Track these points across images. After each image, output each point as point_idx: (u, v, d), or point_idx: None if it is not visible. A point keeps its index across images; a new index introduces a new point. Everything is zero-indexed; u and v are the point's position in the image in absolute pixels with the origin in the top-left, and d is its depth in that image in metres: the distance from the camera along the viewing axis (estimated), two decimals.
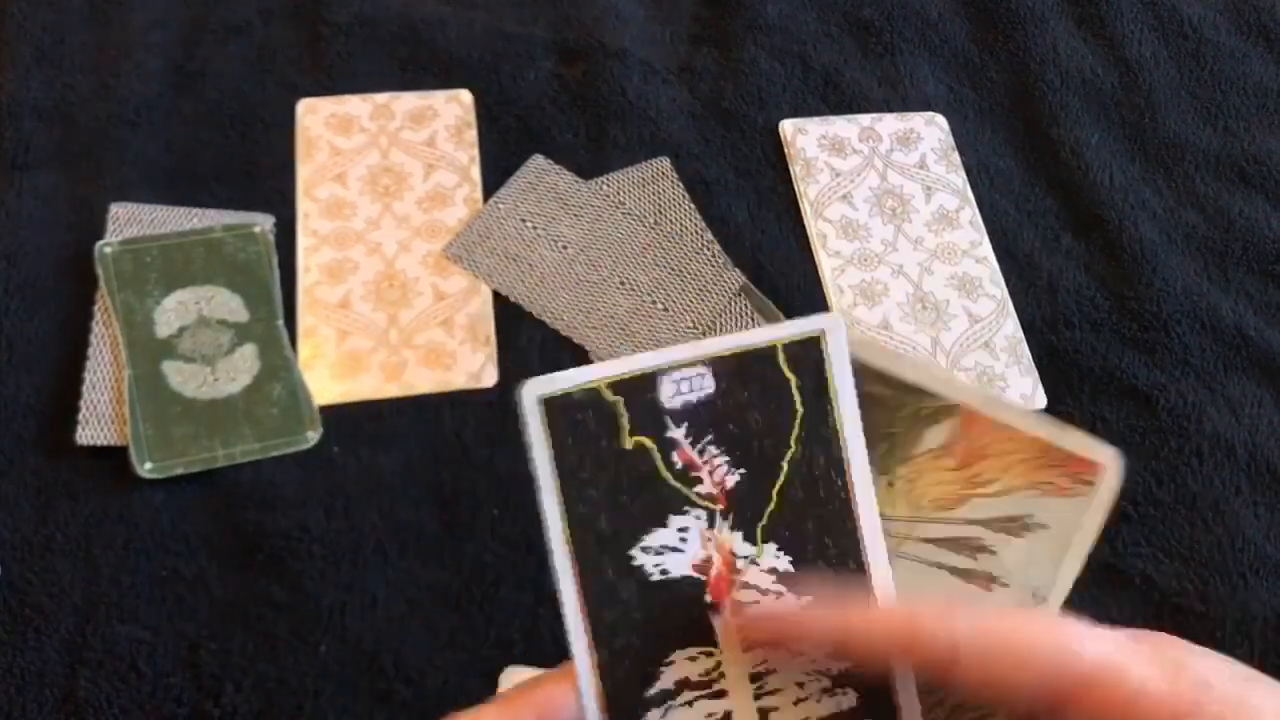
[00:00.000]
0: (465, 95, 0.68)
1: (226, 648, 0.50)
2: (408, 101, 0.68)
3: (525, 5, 0.73)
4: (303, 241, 0.62)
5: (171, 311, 0.58)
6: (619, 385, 0.28)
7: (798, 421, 0.28)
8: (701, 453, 0.28)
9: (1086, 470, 0.29)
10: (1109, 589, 0.54)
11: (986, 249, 0.65)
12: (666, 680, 0.28)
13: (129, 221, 0.61)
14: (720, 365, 0.28)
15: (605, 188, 0.65)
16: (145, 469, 0.53)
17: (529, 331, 0.60)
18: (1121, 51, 0.74)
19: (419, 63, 0.70)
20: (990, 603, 0.29)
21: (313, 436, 0.55)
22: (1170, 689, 0.25)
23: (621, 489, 0.28)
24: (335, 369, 0.58)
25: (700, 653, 0.28)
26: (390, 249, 0.62)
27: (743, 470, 0.28)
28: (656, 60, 0.71)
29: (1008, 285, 0.64)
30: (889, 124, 0.70)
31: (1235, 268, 0.66)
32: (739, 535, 0.28)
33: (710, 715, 0.29)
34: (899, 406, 0.29)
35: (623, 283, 0.62)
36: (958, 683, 0.26)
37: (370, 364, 0.58)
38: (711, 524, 0.28)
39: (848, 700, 0.29)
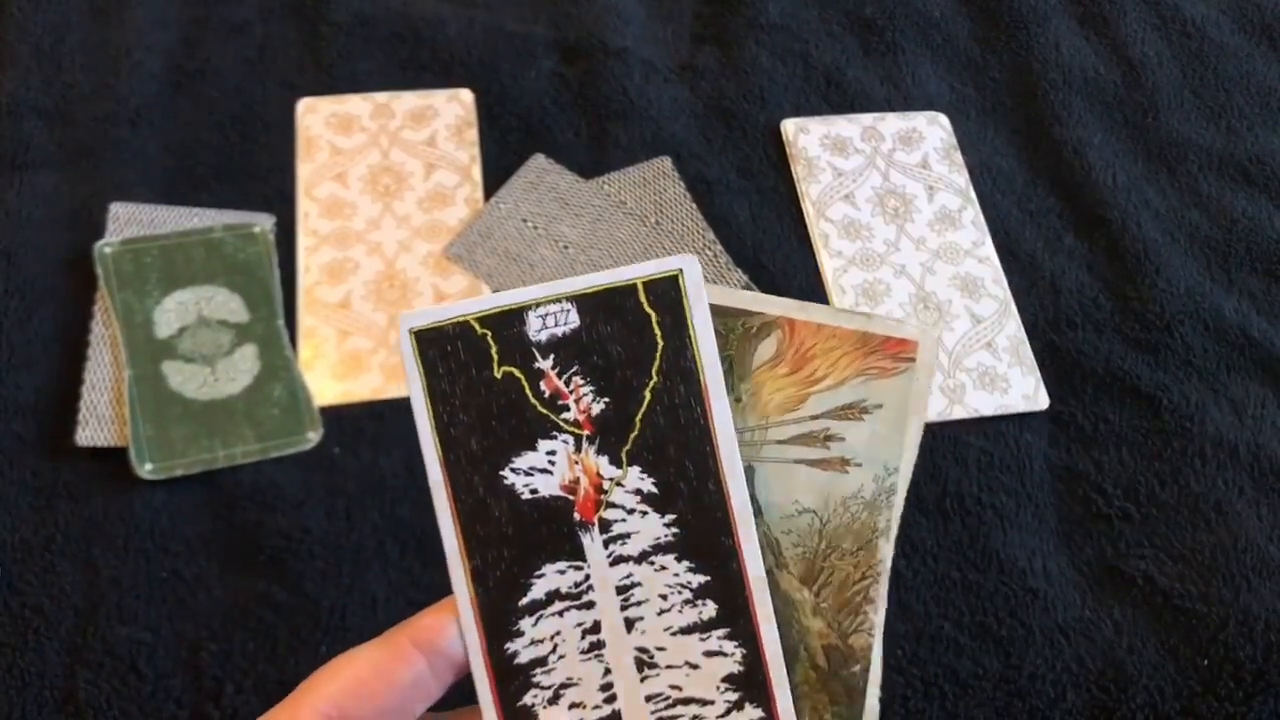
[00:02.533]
0: (466, 94, 0.68)
1: (227, 649, 0.50)
2: (408, 101, 0.68)
3: (526, 4, 0.73)
4: (303, 241, 0.62)
5: (171, 312, 0.58)
6: (488, 319, 0.30)
7: (658, 353, 0.31)
8: (567, 382, 0.30)
9: (903, 349, 0.32)
10: (1111, 590, 0.54)
11: (989, 249, 0.65)
12: (537, 591, 0.31)
13: (129, 221, 0.61)
14: (584, 302, 0.31)
15: (606, 187, 0.65)
16: (145, 470, 0.53)
17: None
18: (1124, 51, 0.74)
19: (419, 62, 0.70)
20: (849, 484, 0.31)
21: (313, 437, 0.55)
22: None
23: (492, 414, 0.30)
24: (336, 369, 0.58)
25: (569, 566, 0.31)
26: (391, 249, 0.62)
27: (607, 399, 0.31)
28: (658, 59, 0.71)
29: (1010, 285, 0.64)
30: (891, 123, 0.70)
31: (1238, 268, 0.66)
32: (605, 459, 0.31)
33: (579, 624, 0.31)
34: (728, 331, 0.32)
35: None
36: None
37: (371, 364, 0.58)
38: (578, 448, 0.31)
39: (707, 611, 0.31)
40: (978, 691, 0.51)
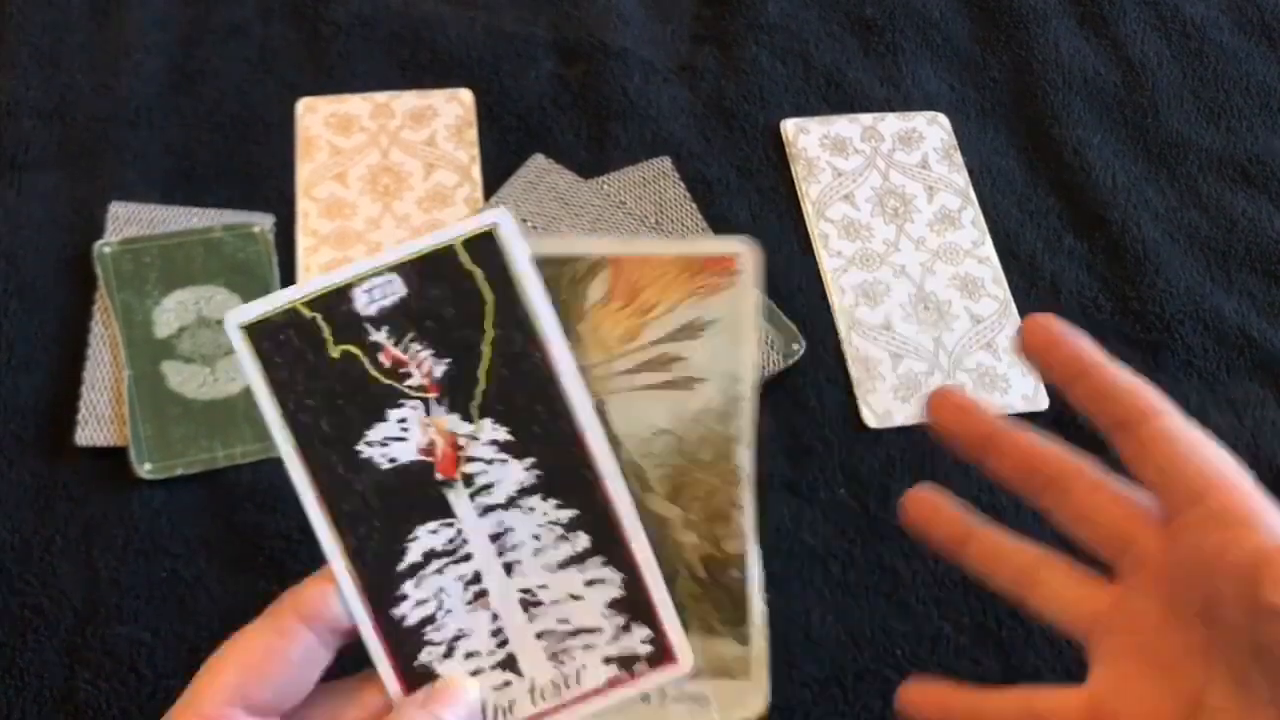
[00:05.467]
0: (465, 94, 0.68)
1: None
2: (408, 101, 0.68)
3: (526, 4, 0.73)
4: (302, 241, 0.62)
5: (171, 312, 0.58)
6: (314, 302, 0.31)
7: (489, 308, 0.31)
8: (405, 350, 0.31)
9: (726, 265, 0.32)
10: None
11: (989, 249, 0.65)
12: (414, 554, 0.32)
13: (128, 221, 0.61)
14: (407, 269, 0.31)
15: (606, 187, 0.65)
16: (145, 470, 0.53)
17: None
18: (1124, 51, 0.74)
19: (419, 62, 0.70)
20: (697, 399, 0.33)
21: None
22: None
23: (336, 394, 0.31)
24: None
25: (440, 525, 0.32)
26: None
27: (448, 360, 0.31)
28: (657, 59, 0.71)
29: (1010, 286, 0.64)
30: (891, 124, 0.70)
31: (1238, 268, 0.66)
32: (455, 416, 0.31)
33: (461, 577, 0.32)
34: (557, 278, 0.32)
35: None
36: (1143, 438, 0.31)
37: None
38: (428, 411, 0.31)
39: (580, 542, 0.32)
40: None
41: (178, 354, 0.56)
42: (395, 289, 0.31)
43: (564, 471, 0.32)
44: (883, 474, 0.56)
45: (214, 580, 0.51)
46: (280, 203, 0.63)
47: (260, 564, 0.52)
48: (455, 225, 0.31)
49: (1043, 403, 0.60)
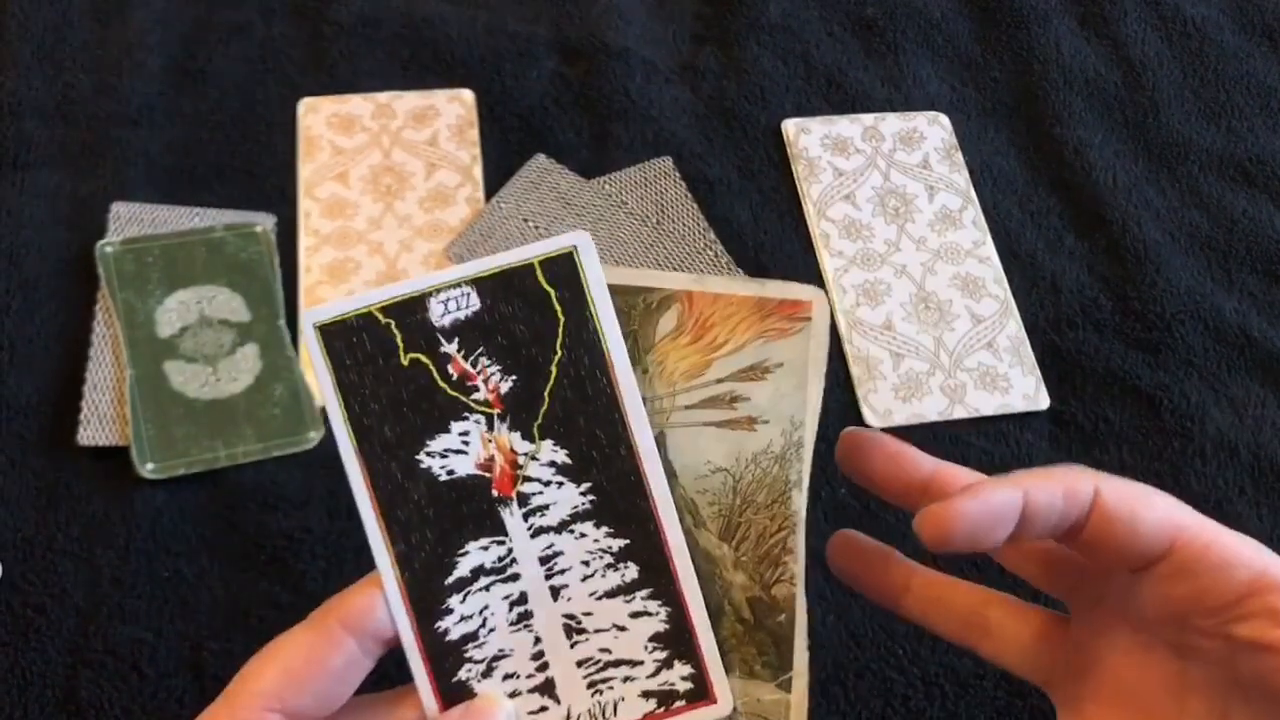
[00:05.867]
0: (467, 94, 0.68)
1: (229, 648, 0.50)
2: (409, 101, 0.68)
3: (527, 4, 0.73)
4: (304, 241, 0.62)
5: (173, 311, 0.58)
6: (390, 309, 0.31)
7: (561, 329, 0.31)
8: (474, 364, 0.31)
9: (798, 309, 0.33)
10: None
11: (989, 249, 0.65)
12: (463, 568, 0.31)
13: (130, 221, 0.61)
14: (484, 284, 0.31)
15: (607, 187, 0.65)
16: (147, 469, 0.53)
17: None
18: (1125, 51, 0.74)
19: (421, 62, 0.70)
20: (757, 441, 0.33)
21: (315, 437, 0.55)
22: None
23: (402, 401, 0.31)
24: None
25: (492, 542, 0.32)
26: (392, 249, 0.62)
27: (515, 377, 0.31)
28: (659, 59, 0.71)
29: (1011, 285, 0.64)
30: (892, 124, 0.70)
31: (1239, 268, 0.66)
32: (517, 435, 0.31)
33: (507, 597, 0.32)
34: (629, 308, 0.32)
35: None
36: (1084, 531, 0.29)
37: None
38: (491, 427, 0.31)
39: (630, 573, 0.32)
40: (978, 691, 0.51)
41: (180, 354, 0.57)
42: (470, 302, 0.31)
43: (620, 500, 0.32)
44: None
45: (216, 580, 0.51)
46: (282, 202, 0.63)
47: (262, 563, 0.52)
48: (535, 244, 0.31)
49: (1043, 402, 0.60)
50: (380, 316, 0.31)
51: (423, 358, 0.31)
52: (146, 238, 0.60)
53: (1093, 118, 0.71)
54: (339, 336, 0.31)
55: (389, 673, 0.33)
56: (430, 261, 0.62)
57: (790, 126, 0.69)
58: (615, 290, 0.32)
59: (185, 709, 0.48)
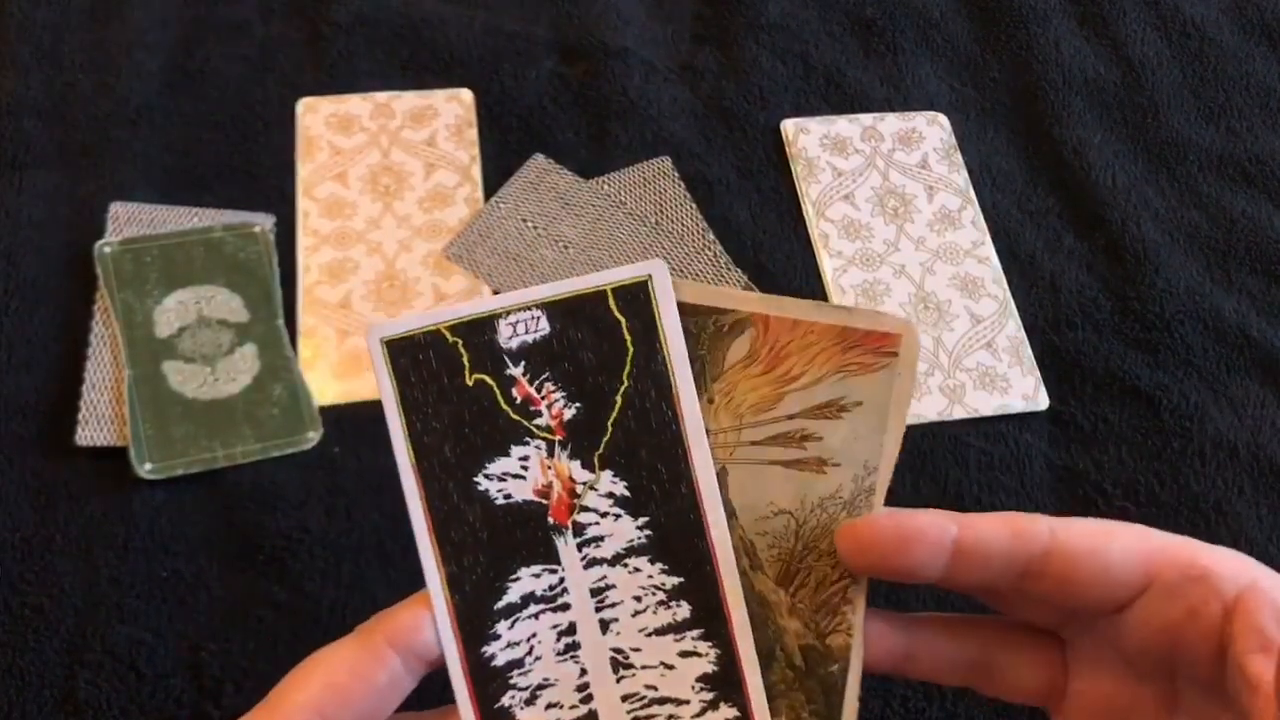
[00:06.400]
0: (466, 94, 0.68)
1: (227, 648, 0.50)
2: (408, 101, 0.68)
3: (526, 4, 0.73)
4: (303, 241, 0.62)
5: (171, 311, 0.58)
6: (458, 328, 0.31)
7: (629, 358, 0.31)
8: (539, 388, 0.31)
9: (885, 343, 0.30)
10: None
11: (989, 249, 0.65)
12: (513, 595, 0.31)
13: (129, 221, 0.61)
14: (555, 309, 0.31)
15: (606, 187, 0.65)
16: (145, 469, 0.53)
17: None
18: (1124, 51, 0.74)
19: (420, 62, 0.70)
20: (826, 484, 0.31)
21: (313, 437, 0.55)
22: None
23: (464, 422, 0.31)
24: (336, 369, 0.58)
25: (544, 570, 0.31)
26: (391, 249, 0.62)
27: (579, 404, 0.31)
28: (658, 59, 0.71)
29: (1010, 285, 0.64)
30: (891, 123, 0.70)
31: (1238, 268, 0.66)
32: (577, 463, 0.31)
33: (555, 626, 0.31)
34: (699, 330, 0.31)
35: None
36: (1048, 574, 0.29)
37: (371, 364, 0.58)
38: (551, 453, 0.31)
39: (681, 612, 0.31)
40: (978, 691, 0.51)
41: (178, 354, 0.56)
42: (540, 326, 0.31)
43: (676, 536, 0.31)
44: None
45: (215, 580, 0.51)
46: (281, 202, 0.63)
47: (261, 564, 0.52)
48: (610, 271, 0.31)
49: (1043, 402, 0.60)
50: (448, 335, 0.31)
51: (488, 379, 0.31)
52: (145, 238, 0.60)
53: (1092, 118, 0.71)
54: (405, 353, 0.30)
55: (433, 693, 0.32)
56: (429, 262, 0.62)
57: (789, 126, 0.69)
58: (685, 309, 0.31)
59: (183, 709, 0.48)
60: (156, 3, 0.70)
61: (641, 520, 0.31)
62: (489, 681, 0.31)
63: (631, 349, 0.31)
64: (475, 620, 0.31)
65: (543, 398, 0.31)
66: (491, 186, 0.65)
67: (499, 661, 0.31)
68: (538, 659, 0.31)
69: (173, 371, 0.56)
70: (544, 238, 0.63)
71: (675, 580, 0.31)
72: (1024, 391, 0.60)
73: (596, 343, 0.31)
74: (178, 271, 0.59)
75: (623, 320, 0.31)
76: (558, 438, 0.31)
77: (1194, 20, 0.76)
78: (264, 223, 0.61)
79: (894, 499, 0.56)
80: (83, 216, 0.61)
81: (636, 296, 0.31)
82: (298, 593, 0.51)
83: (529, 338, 0.31)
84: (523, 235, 0.63)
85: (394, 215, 0.63)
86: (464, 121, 0.67)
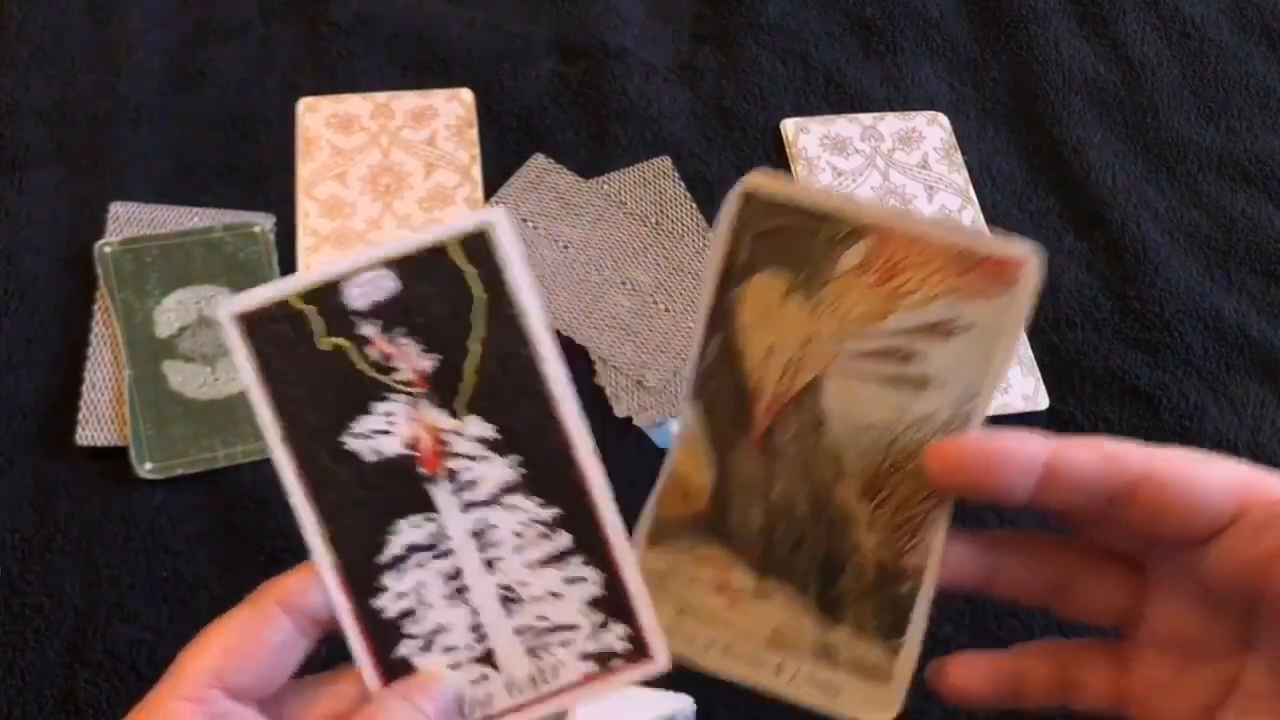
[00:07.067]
0: (466, 94, 0.68)
1: None
2: (408, 100, 0.68)
3: (526, 4, 0.73)
4: (303, 241, 0.62)
5: (172, 311, 0.58)
6: (306, 295, 0.31)
7: (481, 306, 0.31)
8: (394, 344, 0.31)
9: (1007, 269, 0.30)
10: None
11: None
12: (395, 547, 0.32)
13: (129, 221, 0.61)
14: (400, 266, 0.31)
15: (606, 187, 0.65)
16: (145, 469, 0.53)
17: None
18: (1124, 51, 0.74)
19: (420, 62, 0.70)
20: (924, 404, 0.30)
21: None
22: None
23: (325, 386, 0.31)
24: None
25: (423, 519, 0.32)
26: None
27: (437, 356, 0.31)
28: (658, 59, 0.71)
29: None
30: (891, 123, 0.70)
31: (1238, 268, 0.66)
32: (443, 413, 0.32)
33: (441, 572, 0.32)
34: (812, 234, 0.31)
35: (624, 282, 0.62)
36: (1138, 501, 0.28)
37: None
38: (415, 406, 0.32)
39: (562, 541, 0.32)
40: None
41: (178, 354, 0.57)
42: (387, 284, 0.31)
43: (549, 470, 0.32)
44: None
45: (214, 579, 0.51)
46: (281, 202, 0.63)
47: (260, 563, 0.52)
48: (449, 224, 0.31)
49: (1042, 402, 0.60)
50: (296, 303, 0.31)
51: (342, 341, 0.31)
52: (145, 238, 0.60)
53: (1092, 117, 0.71)
54: (258, 324, 0.31)
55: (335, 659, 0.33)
56: None
57: (789, 126, 0.69)
58: (800, 211, 0.31)
59: None
60: (156, 3, 0.70)
61: (513, 459, 0.32)
62: (384, 634, 0.32)
63: (484, 296, 0.31)
64: (362, 577, 0.32)
65: (400, 352, 0.31)
66: (491, 186, 0.65)
67: (390, 613, 0.32)
68: (429, 606, 0.32)
69: (173, 371, 0.56)
70: (544, 238, 0.63)
71: (553, 511, 0.32)
72: (1024, 391, 0.60)
73: (446, 295, 0.31)
74: (178, 271, 0.59)
75: (469, 269, 0.31)
76: (420, 390, 0.32)
77: (1194, 20, 0.76)
78: (264, 223, 0.61)
79: None
80: (83, 216, 0.61)
81: (481, 245, 0.31)
82: None
83: (378, 296, 0.31)
84: (523, 235, 0.63)
85: (394, 215, 0.63)
86: (464, 121, 0.67)
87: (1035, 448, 0.29)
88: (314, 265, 0.61)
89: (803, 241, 0.31)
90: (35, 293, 0.58)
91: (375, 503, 0.32)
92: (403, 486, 0.32)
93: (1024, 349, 0.61)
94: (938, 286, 0.30)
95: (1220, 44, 0.75)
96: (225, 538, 0.52)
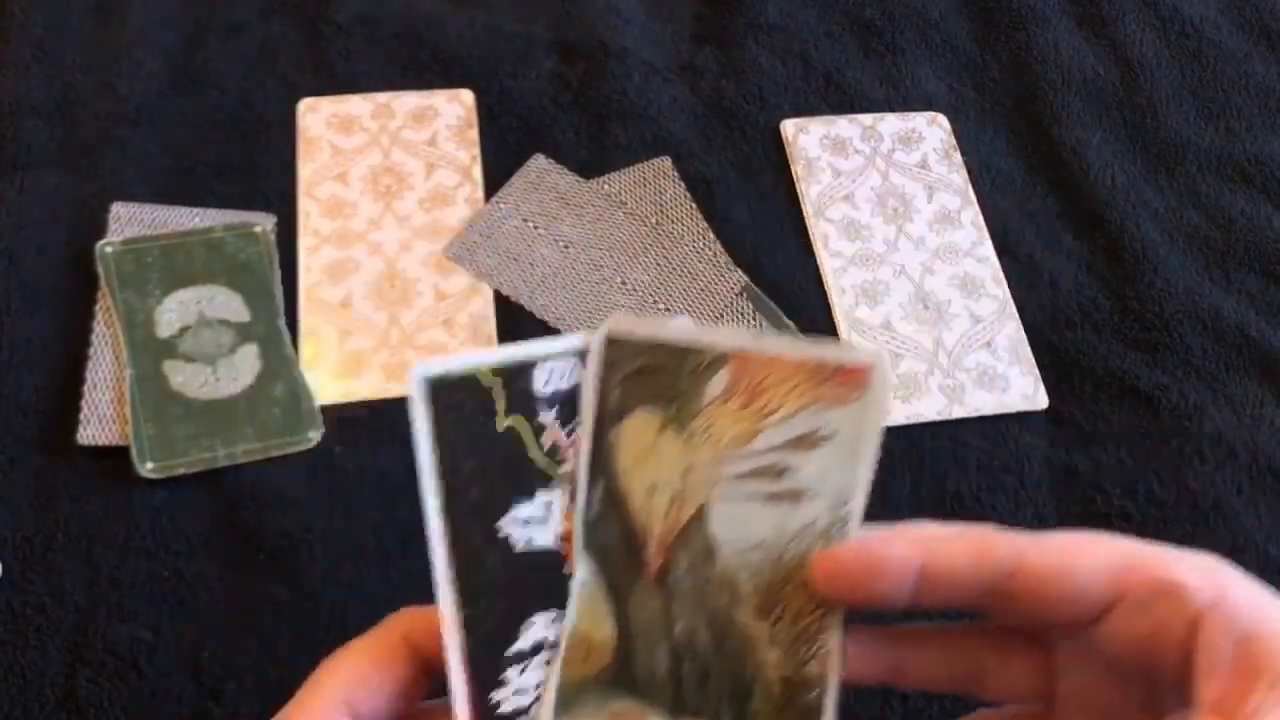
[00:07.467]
0: (466, 94, 0.68)
1: (228, 648, 0.50)
2: (409, 101, 0.68)
3: (526, 4, 0.73)
4: (304, 241, 0.62)
5: (173, 311, 0.58)
6: (498, 371, 0.31)
7: None
8: (569, 435, 0.31)
9: (858, 376, 0.31)
10: None
11: (988, 249, 0.65)
12: (525, 641, 0.31)
13: (130, 221, 0.61)
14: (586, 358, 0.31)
15: (606, 187, 0.65)
16: (146, 469, 0.53)
17: (530, 331, 0.60)
18: (1123, 51, 0.74)
19: (420, 62, 0.70)
20: (802, 515, 0.31)
21: (314, 436, 0.55)
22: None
23: (494, 465, 0.31)
24: (337, 369, 0.58)
25: (559, 616, 0.31)
26: (391, 249, 0.62)
27: None
28: (657, 59, 0.71)
29: (1009, 285, 0.64)
30: (890, 124, 0.70)
31: (1237, 268, 0.66)
32: None
33: None
34: (677, 368, 0.31)
35: (624, 283, 0.62)
36: (1016, 594, 0.29)
37: (372, 363, 0.58)
38: (572, 501, 0.31)
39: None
40: (972, 696, 0.51)
41: (179, 354, 0.57)
42: (575, 375, 0.31)
43: None
44: (883, 473, 0.56)
45: (215, 579, 0.52)
46: (281, 202, 0.63)
47: (261, 563, 0.52)
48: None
49: (1042, 402, 0.60)
50: (487, 377, 0.30)
51: (520, 424, 0.31)
52: (146, 238, 0.60)
53: (1091, 118, 0.71)
54: (445, 392, 0.30)
55: None
56: (430, 262, 0.62)
57: (789, 126, 0.69)
58: (662, 349, 0.31)
59: (184, 708, 0.48)
60: (156, 3, 0.70)
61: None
62: None
63: None
64: (488, 666, 0.31)
65: (571, 445, 0.31)
66: (492, 187, 0.65)
67: (505, 709, 0.31)
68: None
69: (174, 371, 0.56)
70: (544, 238, 0.63)
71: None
72: (1023, 391, 0.60)
73: None
74: (179, 271, 0.59)
75: None
76: None
77: (1193, 20, 0.76)
78: (265, 223, 0.61)
79: (893, 499, 0.56)
80: (84, 216, 0.61)
81: None
82: (298, 592, 0.51)
83: (564, 384, 0.31)
84: (523, 235, 0.63)
85: (394, 215, 0.63)
86: (464, 122, 0.67)
87: (907, 551, 0.29)
88: (319, 272, 0.61)
89: (669, 377, 0.31)
90: (36, 293, 0.58)
91: (515, 592, 0.31)
92: (546, 580, 0.31)
93: (1024, 348, 0.62)
94: (799, 401, 0.31)
95: (1219, 44, 0.75)
96: (226, 537, 0.53)
